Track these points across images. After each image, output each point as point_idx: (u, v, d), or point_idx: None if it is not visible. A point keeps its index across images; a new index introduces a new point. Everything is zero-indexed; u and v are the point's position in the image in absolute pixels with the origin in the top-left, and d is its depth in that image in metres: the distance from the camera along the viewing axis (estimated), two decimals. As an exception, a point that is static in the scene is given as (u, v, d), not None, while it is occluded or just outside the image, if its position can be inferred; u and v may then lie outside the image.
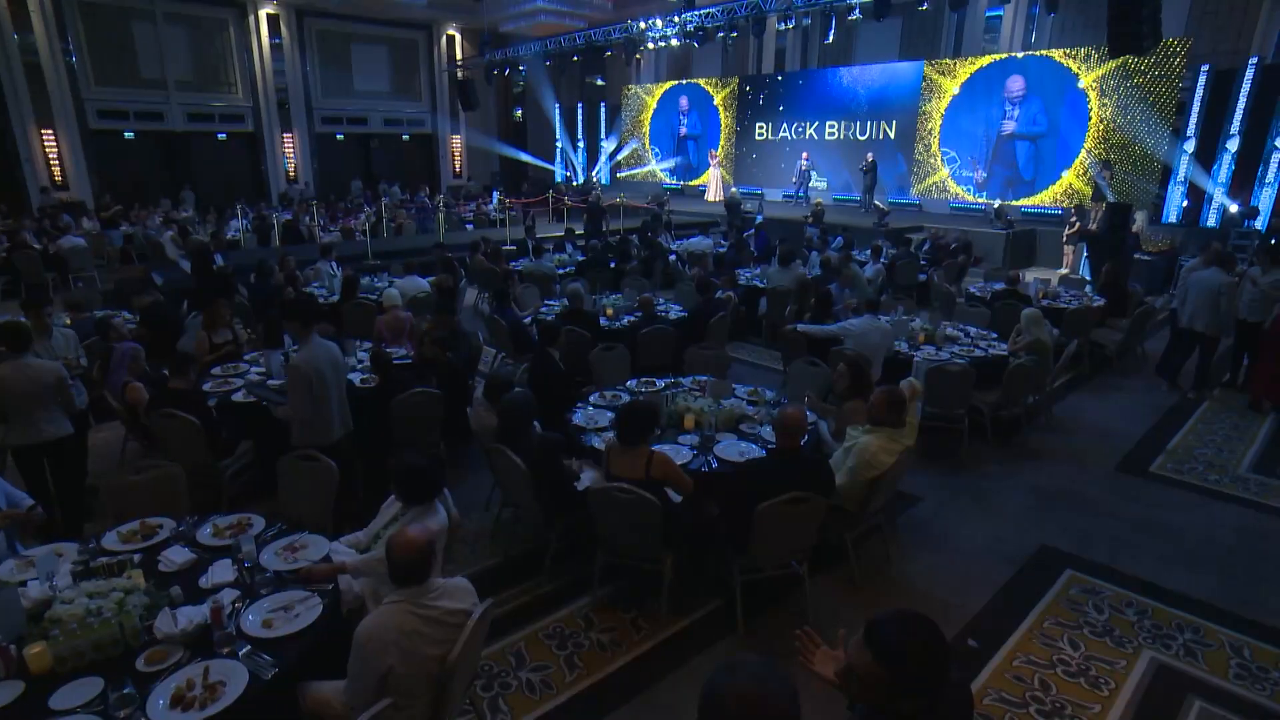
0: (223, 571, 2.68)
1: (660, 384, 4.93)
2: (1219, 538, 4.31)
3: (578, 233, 12.73)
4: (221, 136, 18.83)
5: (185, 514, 3.21)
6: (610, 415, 4.36)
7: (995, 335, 6.38)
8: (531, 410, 3.85)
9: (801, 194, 16.73)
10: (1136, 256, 11.20)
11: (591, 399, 4.68)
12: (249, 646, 2.28)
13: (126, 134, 17.35)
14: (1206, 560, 4.06)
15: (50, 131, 15.82)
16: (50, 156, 15.96)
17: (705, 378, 4.98)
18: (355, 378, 5.05)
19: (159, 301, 6.30)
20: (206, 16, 17.78)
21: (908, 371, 5.57)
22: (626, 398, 4.70)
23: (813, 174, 16.94)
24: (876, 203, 14.42)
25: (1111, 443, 5.67)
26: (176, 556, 2.76)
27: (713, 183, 17.73)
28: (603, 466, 3.59)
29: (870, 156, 15.53)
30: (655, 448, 3.66)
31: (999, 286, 8.27)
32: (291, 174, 19.80)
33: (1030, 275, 9.74)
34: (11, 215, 13.66)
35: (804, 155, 17.00)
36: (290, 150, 19.69)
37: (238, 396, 4.64)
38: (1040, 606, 3.62)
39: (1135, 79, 12.68)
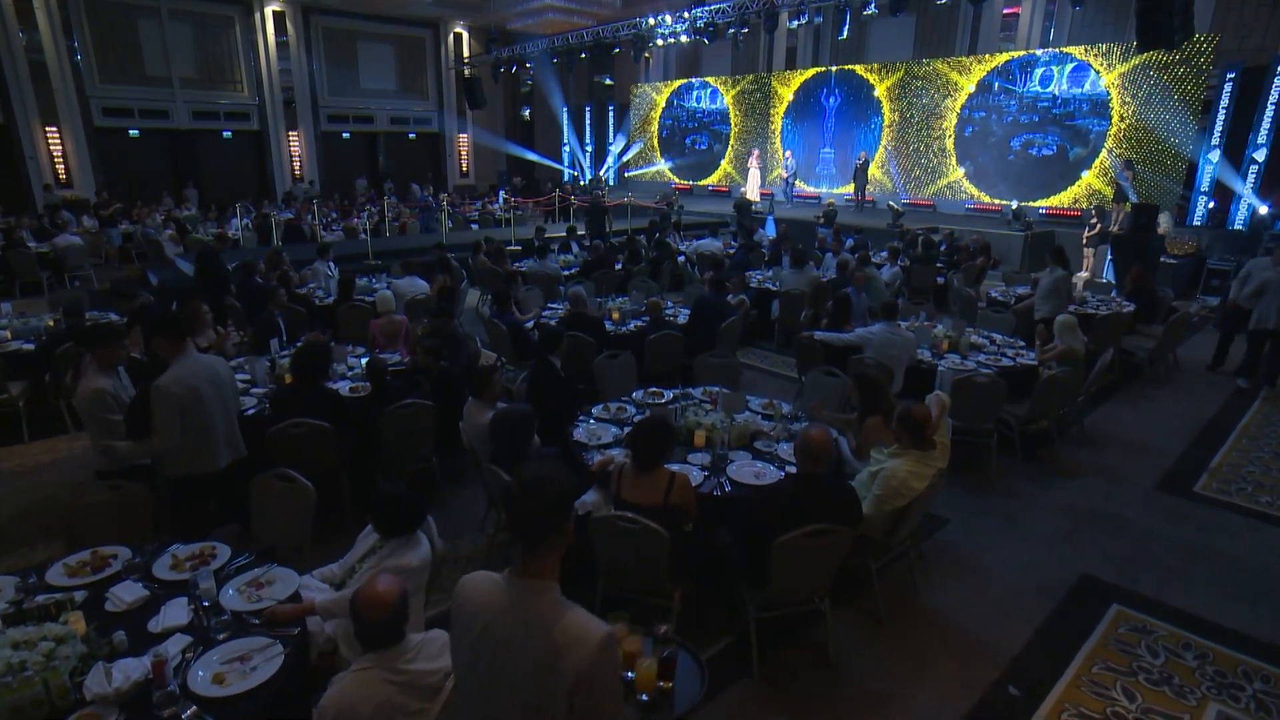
0: (176, 613, 2.38)
1: (668, 395, 4.62)
2: (1276, 567, 3.96)
3: (580, 233, 12.44)
4: (227, 134, 18.65)
5: (148, 540, 2.92)
6: (614, 430, 4.06)
7: (1022, 343, 6.04)
8: (529, 425, 3.54)
9: (788, 195, 16.43)
10: (1162, 259, 10.80)
11: (594, 411, 4.37)
12: (194, 708, 1.98)
13: (131, 132, 17.19)
14: (1266, 594, 3.71)
15: (55, 129, 15.68)
16: (55, 154, 15.82)
17: (717, 388, 4.67)
18: (345, 386, 4.78)
19: (147, 304, 6.04)
20: (212, 14, 17.61)
21: (932, 382, 5.25)
22: (632, 409, 4.40)
23: (797, 175, 16.67)
24: (891, 203, 14.08)
25: (1149, 459, 5.32)
26: (126, 594, 2.46)
27: (751, 183, 17.14)
28: (610, 490, 3.27)
29: (864, 154, 15.90)
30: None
31: (1023, 290, 7.91)
32: (297, 172, 19.61)
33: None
34: (11, 213, 13.48)
35: (787, 153, 16.74)
36: (296, 148, 19.51)
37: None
38: (1087, 647, 3.28)
39: (1159, 76, 12.27)
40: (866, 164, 15.81)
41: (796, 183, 17.04)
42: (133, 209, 14.77)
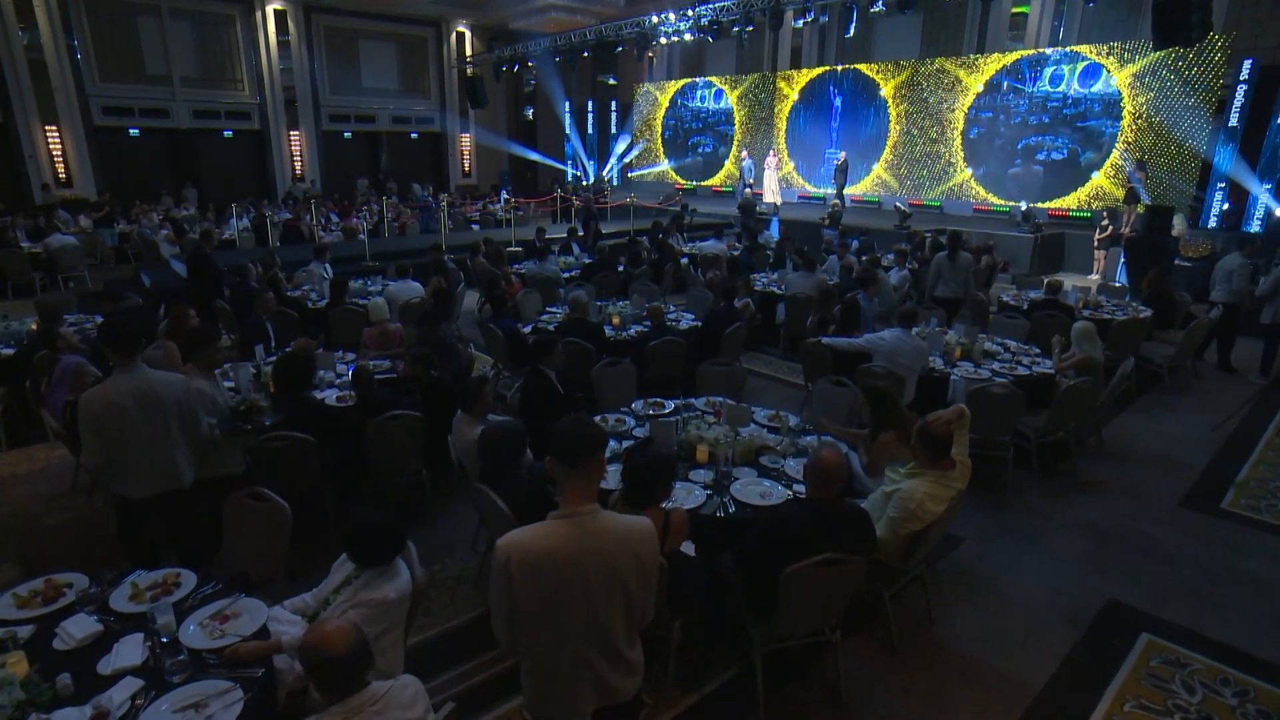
0: (130, 651, 2.19)
1: (670, 405, 4.41)
2: (1313, 593, 3.73)
3: (580, 234, 12.24)
4: (228, 134, 18.51)
5: (112, 565, 2.73)
6: (613, 443, 3.84)
7: (1038, 350, 5.81)
8: (520, 441, 3.33)
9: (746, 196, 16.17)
10: (1176, 262, 10.54)
11: (592, 423, 4.15)
12: (138, 767, 1.79)
13: (131, 131, 17.06)
14: (1305, 623, 3.48)
15: (54, 128, 15.55)
16: (55, 154, 15.69)
17: (720, 399, 4.46)
18: (331, 394, 4.58)
19: (132, 307, 5.86)
20: (213, 12, 17.47)
21: (944, 392, 5.04)
22: (631, 421, 4.19)
23: (750, 174, 16.24)
24: (897, 204, 13.85)
25: (1172, 473, 5.08)
26: (77, 629, 2.26)
27: (769, 186, 16.65)
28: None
29: (843, 155, 15.73)
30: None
31: (1035, 295, 7.68)
32: (298, 172, 19.47)
33: (1067, 283, 9.13)
34: (7, 213, 13.33)
35: (743, 153, 16.52)
36: (297, 148, 19.36)
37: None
38: (1117, 682, 3.06)
39: (1172, 75, 12.01)
40: (846, 164, 15.59)
41: (769, 182, 16.44)
42: (131, 209, 14.62)
